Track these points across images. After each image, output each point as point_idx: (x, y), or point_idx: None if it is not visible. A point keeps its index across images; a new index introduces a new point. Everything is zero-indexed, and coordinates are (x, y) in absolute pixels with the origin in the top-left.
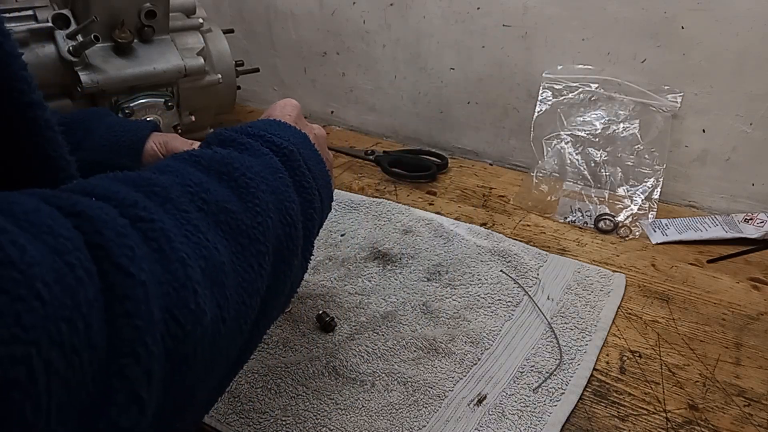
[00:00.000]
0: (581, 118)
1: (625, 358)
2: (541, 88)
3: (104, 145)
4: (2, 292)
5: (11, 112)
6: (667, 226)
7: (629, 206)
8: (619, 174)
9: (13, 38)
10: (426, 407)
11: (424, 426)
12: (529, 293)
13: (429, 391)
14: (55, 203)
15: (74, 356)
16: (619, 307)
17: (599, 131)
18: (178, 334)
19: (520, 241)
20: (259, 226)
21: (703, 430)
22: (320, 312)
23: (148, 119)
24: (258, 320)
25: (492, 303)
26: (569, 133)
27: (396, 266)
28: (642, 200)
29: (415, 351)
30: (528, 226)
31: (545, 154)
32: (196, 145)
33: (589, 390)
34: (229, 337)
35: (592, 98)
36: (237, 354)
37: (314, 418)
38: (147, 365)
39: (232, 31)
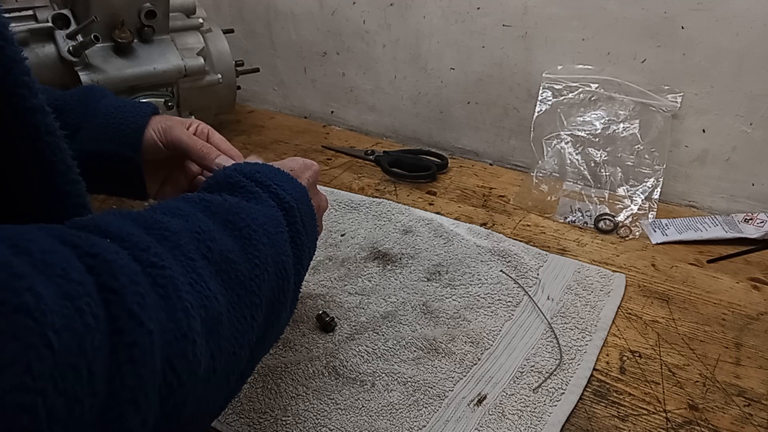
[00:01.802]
0: (581, 118)
1: (625, 358)
2: (541, 88)
3: (102, 134)
4: (15, 339)
5: (11, 117)
6: (667, 226)
7: (629, 206)
8: (619, 174)
9: (17, 43)
10: (426, 407)
11: (424, 426)
12: (529, 293)
13: (429, 391)
14: (72, 242)
15: (76, 404)
16: (619, 307)
17: (599, 131)
18: (173, 384)
19: (520, 241)
20: (257, 279)
21: (703, 430)
22: (320, 312)
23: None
24: (244, 371)
25: (492, 303)
26: (569, 133)
27: (396, 266)
28: (642, 200)
29: (415, 351)
30: (528, 226)
31: (545, 154)
32: (194, 126)
33: (589, 390)
34: (217, 387)
35: (592, 98)
36: (220, 404)
37: (314, 418)
38: (144, 414)
39: (232, 31)
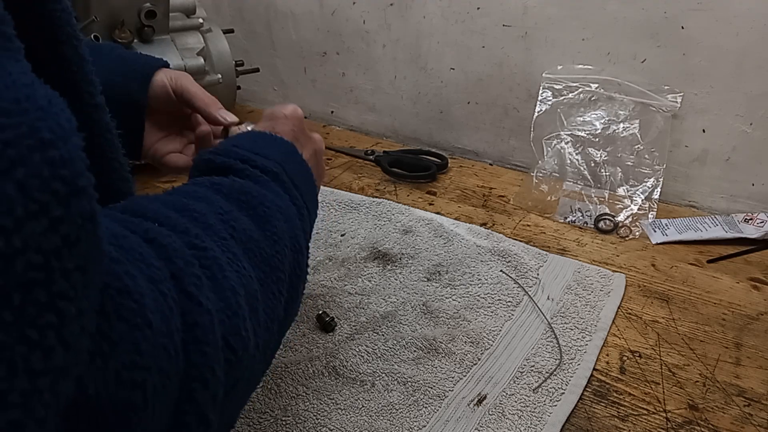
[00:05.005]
0: (581, 118)
1: (625, 358)
2: (541, 88)
3: (113, 68)
4: (122, 319)
5: (76, 113)
6: (667, 226)
7: (629, 206)
8: (619, 174)
9: (85, 44)
10: (426, 407)
11: (424, 426)
12: (529, 293)
13: (429, 391)
14: (129, 228)
15: (167, 380)
16: (619, 307)
17: (599, 131)
18: (231, 360)
19: (520, 241)
20: (278, 255)
21: (703, 430)
22: (320, 312)
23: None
24: (274, 346)
25: (492, 303)
26: (569, 133)
27: (396, 266)
28: (642, 200)
29: (415, 351)
30: (528, 226)
31: (545, 154)
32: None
33: (589, 390)
34: (260, 362)
35: (592, 98)
36: (258, 379)
37: (314, 418)
38: (214, 389)
39: (232, 31)
